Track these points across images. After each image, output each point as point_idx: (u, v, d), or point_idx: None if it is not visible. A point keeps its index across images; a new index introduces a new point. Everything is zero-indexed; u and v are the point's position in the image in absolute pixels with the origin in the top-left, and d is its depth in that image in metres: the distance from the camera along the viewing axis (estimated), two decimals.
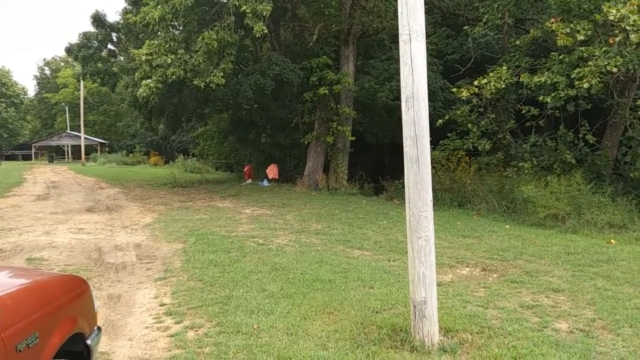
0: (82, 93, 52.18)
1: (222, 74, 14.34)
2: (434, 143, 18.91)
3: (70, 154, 71.25)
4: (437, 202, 14.69)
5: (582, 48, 11.56)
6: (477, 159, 16.49)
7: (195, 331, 5.04)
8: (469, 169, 15.25)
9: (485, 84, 12.86)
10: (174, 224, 11.73)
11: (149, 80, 14.39)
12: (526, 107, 13.85)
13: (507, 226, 11.20)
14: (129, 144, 64.82)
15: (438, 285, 5.18)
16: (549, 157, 14.36)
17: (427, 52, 21.32)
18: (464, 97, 13.34)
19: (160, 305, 5.91)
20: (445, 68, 22.67)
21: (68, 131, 70.16)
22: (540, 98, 12.44)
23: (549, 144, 14.19)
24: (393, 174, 19.13)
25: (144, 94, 14.46)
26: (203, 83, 14.20)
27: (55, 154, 70.15)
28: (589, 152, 14.45)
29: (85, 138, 58.57)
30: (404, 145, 4.91)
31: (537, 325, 5.16)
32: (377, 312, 5.53)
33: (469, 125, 14.64)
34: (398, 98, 18.86)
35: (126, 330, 5.24)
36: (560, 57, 12.10)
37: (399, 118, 17.83)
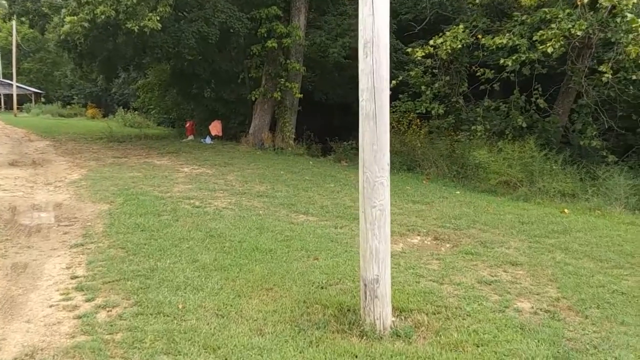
0: (14, 37, 48.44)
1: (158, 17, 13.08)
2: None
3: (2, 104, 66.76)
4: None
5: (545, 9, 11.08)
6: (429, 122, 16.04)
7: (108, 312, 4.27)
8: (419, 132, 14.77)
9: (441, 43, 12.25)
10: (103, 181, 10.70)
11: (74, 17, 12.97)
12: (482, 70, 13.37)
13: (458, 192, 10.81)
14: (66, 94, 61.09)
15: None
16: (500, 122, 14.04)
17: None
18: (419, 57, 12.69)
19: (72, 278, 5.08)
20: (399, 28, 21.94)
21: (0, 79, 65.55)
22: (501, 61, 11.96)
23: (502, 108, 13.83)
24: (342, 135, 18.49)
25: (67, 31, 13.04)
26: (137, 27, 12.91)
27: None
28: (539, 119, 14.22)
29: (18, 87, 54.85)
30: (360, 98, 4.20)
31: (497, 305, 4.68)
32: (322, 288, 4.91)
33: (423, 87, 14.07)
34: (350, 56, 18.04)
35: (26, 309, 4.41)
36: (523, 17, 11.57)
37: (350, 77, 17.03)
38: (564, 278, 5.41)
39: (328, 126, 23.34)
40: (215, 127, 20.00)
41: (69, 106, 53.57)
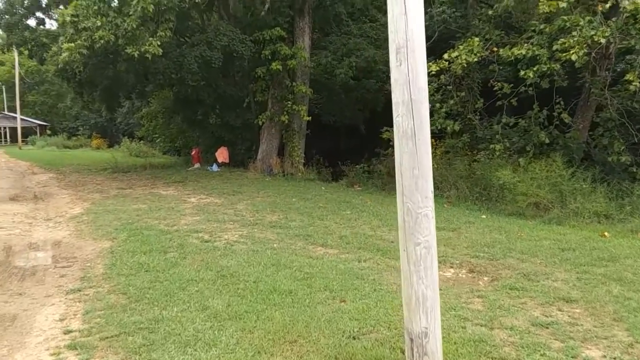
0: (17, 69, 48.49)
1: (159, 42, 12.59)
2: (391, 124, 17.77)
3: (8, 137, 66.69)
4: None
5: (564, 17, 10.50)
6: (443, 142, 15.41)
7: None
8: (435, 153, 14.11)
9: (456, 57, 11.66)
10: (106, 216, 10.08)
11: (72, 44, 12.51)
12: (499, 84, 12.76)
13: (484, 216, 10.11)
14: (71, 126, 60.99)
15: None
16: (519, 139, 13.37)
17: (385, 28, 20.24)
18: (433, 72, 12.09)
19: (65, 333, 4.41)
20: None
21: (5, 112, 65.56)
22: (521, 73, 11.32)
23: (521, 123, 13.17)
24: (351, 157, 17.90)
25: (66, 59, 12.59)
26: (137, 52, 12.43)
27: None
28: (559, 134, 13.56)
29: (23, 120, 54.83)
30: (395, 114, 3.55)
31: (563, 354, 3.96)
32: (354, 339, 4.22)
33: (437, 104, 13.47)
34: (357, 77, 17.50)
35: None
36: (541, 27, 10.99)
37: (357, 98, 16.41)
38: (630, 317, 4.69)
39: (335, 149, 22.80)
40: (222, 154, 19.44)
41: (74, 137, 53.41)
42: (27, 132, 59.18)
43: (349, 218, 9.90)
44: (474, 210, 10.77)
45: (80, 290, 5.55)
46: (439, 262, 6.54)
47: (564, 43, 10.34)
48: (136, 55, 12.68)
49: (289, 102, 16.96)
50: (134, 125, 37.90)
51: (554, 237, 8.19)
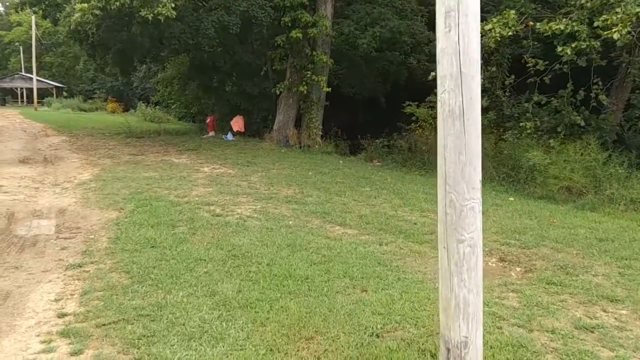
0: (33, 30, 48.05)
1: (173, 5, 11.99)
2: (418, 100, 17.11)
3: (25, 98, 66.65)
4: (424, 165, 13.01)
5: None
6: None
7: None
8: None
9: (489, 30, 10.95)
10: (115, 183, 9.69)
11: (85, 5, 11.98)
12: (533, 60, 12.03)
13: (512, 199, 9.56)
14: (87, 89, 60.71)
15: None
16: (549, 119, 12.70)
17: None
18: None
19: (59, 317, 4.01)
20: (429, 19, 20.61)
21: (22, 73, 65.38)
22: (558, 49, 10.60)
23: (553, 103, 12.47)
24: (370, 131, 17.32)
25: (79, 20, 12.07)
26: (151, 14, 11.86)
27: (11, 97, 65.58)
28: (592, 116, 12.85)
29: (39, 81, 54.62)
30: (439, 90, 3.02)
31: None
32: (377, 337, 3.77)
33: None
34: (380, 49, 16.76)
35: None
36: (582, 1, 10.22)
37: (379, 70, 15.65)
38: None
39: (354, 122, 22.21)
40: (237, 123, 18.93)
41: (90, 100, 53.19)
42: (44, 94, 59.09)
43: (368, 195, 9.42)
44: (501, 192, 10.21)
45: (80, 266, 5.16)
46: None
47: (606, 20, 9.60)
48: (150, 18, 12.12)
49: (309, 72, 16.32)
50: (150, 90, 37.44)
51: (589, 225, 7.64)
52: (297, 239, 6.25)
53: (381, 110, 21.40)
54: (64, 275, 4.96)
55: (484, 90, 15.25)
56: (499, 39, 11.12)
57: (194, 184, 9.94)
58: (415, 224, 7.36)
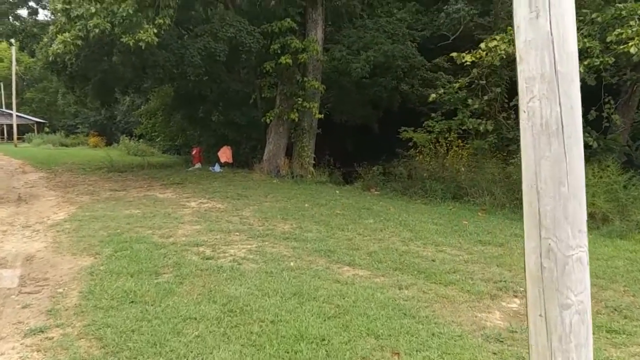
0: (13, 64, 47.20)
1: (155, 30, 11.21)
2: (412, 126, 16.42)
3: (5, 134, 65.27)
4: (426, 193, 12.22)
5: (620, 5, 9.16)
6: (468, 142, 14.09)
7: None
8: (461, 154, 12.79)
9: (493, 47, 10.30)
10: (92, 223, 8.73)
11: (65, 35, 11.16)
12: None
13: None
14: (70, 124, 59.61)
15: (481, 331, 2.56)
16: None
17: (402, 23, 18.42)
18: (468, 63, 10.72)
19: None
20: (419, 44, 20.07)
21: (2, 109, 64.20)
22: None
23: None
24: (362, 159, 16.59)
25: (59, 51, 11.24)
26: (132, 40, 11.06)
27: None
28: (600, 137, 12.22)
29: (19, 117, 53.64)
30: (523, 98, 2.14)
31: None
32: None
33: (469, 100, 12.10)
34: (372, 74, 16.12)
35: None
36: (593, 16, 9.61)
37: (371, 97, 14.83)
38: None
39: (345, 150, 21.48)
40: (225, 154, 18.05)
41: (73, 135, 52.17)
42: (25, 130, 57.99)
43: (373, 228, 8.55)
44: (515, 220, 9.41)
45: (42, 332, 4.20)
46: (499, 290, 5.20)
47: (621, 34, 9.00)
48: (131, 44, 11.31)
49: (300, 99, 15.59)
50: (133, 124, 36.57)
51: (624, 255, 6.85)
52: (302, 285, 5.34)
53: (374, 137, 20.71)
54: (21, 344, 4.00)
55: (481, 114, 14.67)
56: (504, 57, 10.48)
57: (179, 221, 9.01)
58: (433, 261, 6.50)
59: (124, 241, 7.23)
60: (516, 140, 13.41)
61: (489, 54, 10.43)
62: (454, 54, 11.00)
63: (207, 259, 6.46)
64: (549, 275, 2.04)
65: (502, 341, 4.04)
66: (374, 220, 9.21)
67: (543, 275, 2.06)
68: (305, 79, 15.74)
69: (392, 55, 15.75)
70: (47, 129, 62.41)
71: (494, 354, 3.79)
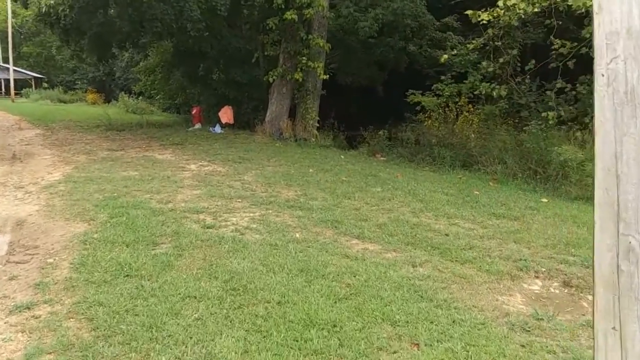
0: (9, 17, 45.95)
1: None
2: (419, 88, 15.87)
3: (2, 89, 64.22)
4: (434, 160, 11.81)
5: None
6: (478, 107, 13.59)
7: None
8: (472, 120, 12.33)
9: (512, 6, 9.69)
10: (88, 185, 8.35)
11: None
12: (558, 41, 10.82)
13: (545, 200, 8.38)
14: (68, 79, 58.54)
15: (505, 319, 2.24)
16: (571, 109, 11.56)
17: None
18: (485, 22, 10.12)
19: None
20: (428, 3, 19.26)
21: None
22: (585, 31, 9.43)
23: (580, 90, 11.29)
24: (366, 122, 16.13)
25: (51, 1, 10.61)
26: None
27: None
28: None
29: (17, 71, 52.60)
30: (601, 58, 1.71)
31: None
32: None
33: (483, 63, 11.55)
34: (380, 33, 15.49)
35: None
36: None
37: (377, 57, 14.28)
38: None
39: (347, 113, 20.95)
40: (226, 114, 17.53)
41: (72, 91, 51.32)
42: (22, 85, 57.05)
43: (381, 197, 8.17)
44: (529, 191, 9.04)
45: (29, 309, 3.86)
46: (519, 270, 4.85)
47: None
48: None
49: (304, 58, 14.99)
50: (132, 81, 35.74)
51: None
52: (309, 260, 4.99)
53: (378, 100, 20.15)
54: (6, 323, 3.67)
55: (492, 78, 14.12)
56: (523, 16, 9.89)
57: (179, 185, 8.63)
58: (446, 235, 6.15)
59: (120, 206, 6.86)
60: (526, 107, 12.93)
61: (506, 12, 9.84)
62: (468, 12, 10.38)
63: (207, 227, 6.11)
64: (627, 281, 1.65)
65: (528, 331, 3.71)
66: (382, 189, 8.83)
67: (619, 279, 1.67)
68: (310, 36, 15.09)
69: (402, 13, 15.05)
70: (45, 85, 61.42)
71: (522, 346, 3.46)
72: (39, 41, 64.80)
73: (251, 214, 6.86)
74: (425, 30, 17.14)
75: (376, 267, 4.90)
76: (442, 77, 14.67)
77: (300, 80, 15.33)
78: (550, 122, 10.40)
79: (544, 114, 10.70)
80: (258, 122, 16.52)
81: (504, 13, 9.85)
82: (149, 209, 6.84)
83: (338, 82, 18.83)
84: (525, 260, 5.28)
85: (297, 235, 5.93)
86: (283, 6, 14.39)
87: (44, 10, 12.58)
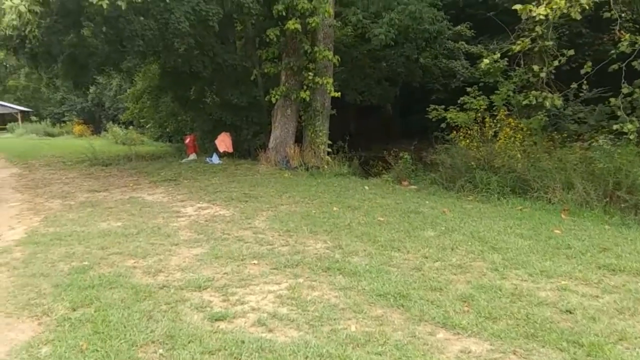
0: None
1: None
2: (446, 102, 13.93)
3: None
4: (476, 187, 9.88)
5: None
6: (512, 120, 11.71)
7: None
8: (515, 137, 10.44)
9: None
10: (53, 248, 6.36)
11: (16, 0, 8.61)
12: (627, 36, 8.99)
13: None
14: (56, 112, 56.70)
15: None
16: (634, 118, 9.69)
17: None
18: (542, 16, 8.26)
19: None
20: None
21: None
22: None
23: (637, 95, 9.44)
24: (373, 144, 14.25)
25: (14, 22, 8.73)
26: (106, 2, 8.48)
27: None
28: None
29: (2, 106, 50.89)
30: None
31: None
32: None
33: (534, 67, 9.69)
34: (396, 41, 13.45)
35: None
36: None
37: (388, 71, 12.10)
38: None
39: (355, 132, 19.09)
40: (224, 142, 15.56)
41: (62, 124, 49.66)
42: (10, 119, 55.34)
43: (439, 246, 6.19)
44: (619, 226, 7.08)
45: None
46: None
47: None
48: (104, 6, 8.75)
49: (310, 73, 13.11)
50: (122, 110, 33.91)
51: None
52: None
53: (387, 118, 18.27)
54: None
55: (524, 87, 12.29)
56: (587, 7, 8.04)
57: (173, 240, 6.65)
58: (569, 312, 4.18)
59: (90, 286, 4.86)
60: (578, 119, 11.09)
61: (568, 5, 7.98)
62: (517, 7, 8.51)
63: (216, 319, 4.12)
64: None
65: None
66: (435, 232, 6.86)
67: None
68: (315, 48, 13.22)
69: (420, 17, 13.16)
70: (34, 118, 59.48)
71: None
72: (25, 73, 63.13)
73: (275, 287, 4.88)
74: (442, 37, 15.33)
75: None
76: (468, 89, 12.82)
77: (307, 99, 13.42)
78: (630, 137, 8.53)
79: (616, 126, 8.83)
80: (261, 149, 14.56)
81: (565, 4, 7.99)
82: (131, 287, 4.84)
83: (345, 99, 16.93)
84: None
85: (353, 327, 3.95)
86: (284, 13, 12.53)
87: (9, 32, 10.64)
